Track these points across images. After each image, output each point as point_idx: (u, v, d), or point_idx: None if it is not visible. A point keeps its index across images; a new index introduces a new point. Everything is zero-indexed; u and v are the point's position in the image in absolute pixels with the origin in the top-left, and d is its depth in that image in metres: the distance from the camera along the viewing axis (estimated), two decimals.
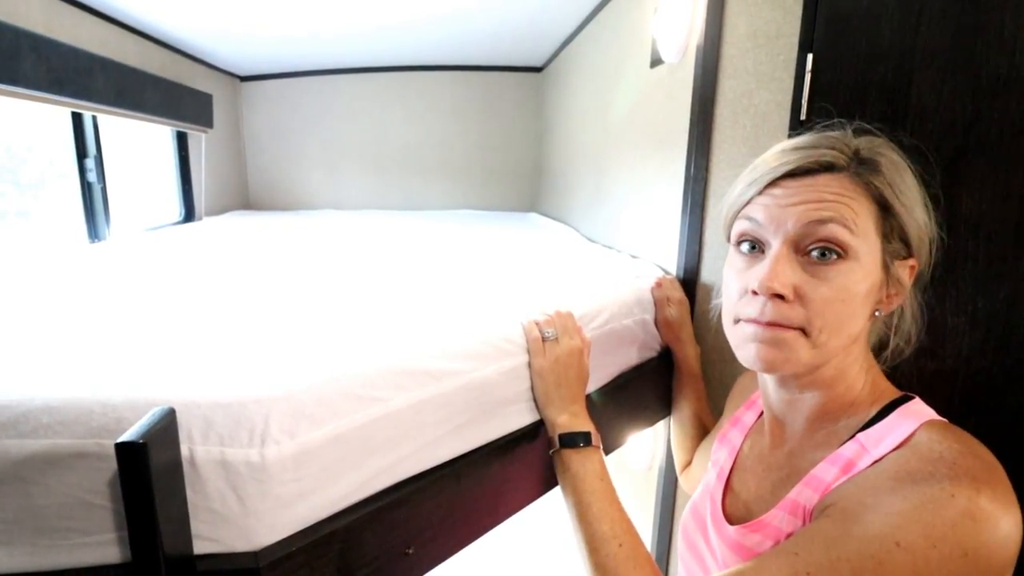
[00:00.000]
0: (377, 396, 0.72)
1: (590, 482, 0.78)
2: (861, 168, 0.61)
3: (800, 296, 0.59)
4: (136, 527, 0.52)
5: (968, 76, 1.03)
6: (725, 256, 1.27)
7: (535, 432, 0.93)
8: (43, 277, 1.32)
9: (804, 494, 0.61)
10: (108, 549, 0.61)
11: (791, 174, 0.61)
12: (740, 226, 0.66)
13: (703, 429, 1.12)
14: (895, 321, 0.69)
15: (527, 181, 3.59)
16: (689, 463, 1.11)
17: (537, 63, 3.30)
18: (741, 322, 0.64)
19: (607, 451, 1.24)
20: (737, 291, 0.65)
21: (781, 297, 0.59)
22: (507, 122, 3.51)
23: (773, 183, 0.62)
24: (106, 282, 1.30)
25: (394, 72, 3.39)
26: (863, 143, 0.63)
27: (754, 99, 1.21)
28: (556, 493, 0.88)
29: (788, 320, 0.59)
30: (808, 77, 1.14)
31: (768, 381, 0.71)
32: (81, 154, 2.04)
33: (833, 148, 0.61)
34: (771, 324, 0.60)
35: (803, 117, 1.16)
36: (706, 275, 1.31)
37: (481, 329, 0.89)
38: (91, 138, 2.05)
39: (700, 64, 1.26)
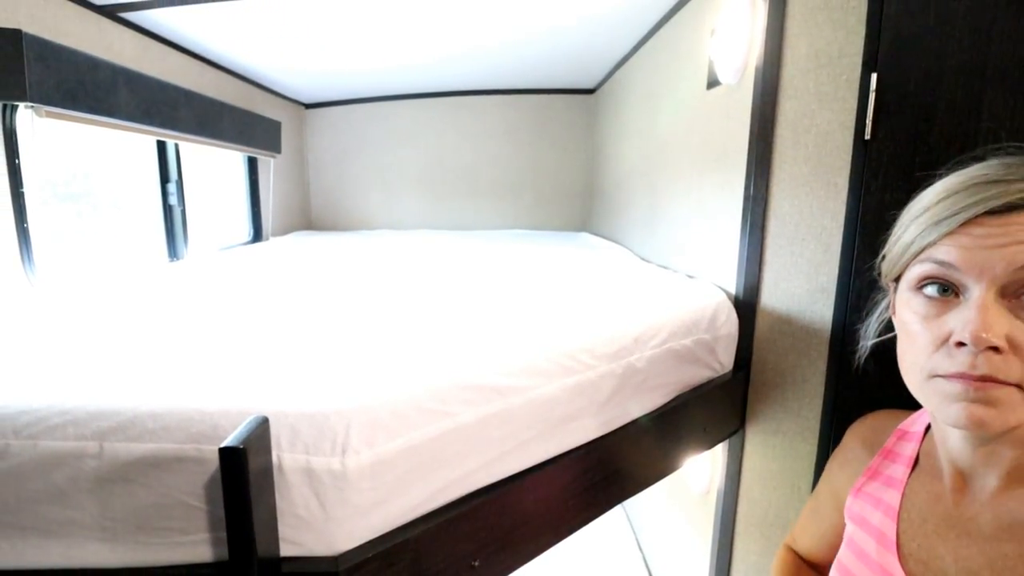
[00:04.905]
0: (447, 410, 0.75)
1: None
2: None
3: (1014, 346, 0.53)
4: (234, 528, 0.56)
5: None
6: (787, 277, 1.28)
7: (599, 449, 0.94)
8: (135, 292, 1.43)
9: None
10: (201, 548, 0.65)
11: (990, 211, 0.55)
12: (924, 269, 0.59)
13: None
14: None
15: (578, 201, 3.61)
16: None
17: (589, 85, 3.34)
18: (939, 378, 0.57)
19: (664, 475, 1.23)
20: (930, 341, 0.58)
21: (995, 349, 0.53)
22: (559, 143, 3.56)
23: (969, 222, 0.56)
24: (191, 298, 1.40)
25: (449, 96, 3.49)
26: None
27: (816, 119, 1.20)
28: (618, 510, 0.88)
29: (1004, 375, 0.53)
30: (872, 96, 1.13)
31: (953, 432, 0.63)
32: (164, 179, 2.19)
33: None
34: (983, 380, 0.54)
35: (868, 137, 1.14)
36: (766, 296, 1.30)
37: (545, 346, 0.91)
38: (173, 164, 2.21)
39: (759, 85, 1.26)
